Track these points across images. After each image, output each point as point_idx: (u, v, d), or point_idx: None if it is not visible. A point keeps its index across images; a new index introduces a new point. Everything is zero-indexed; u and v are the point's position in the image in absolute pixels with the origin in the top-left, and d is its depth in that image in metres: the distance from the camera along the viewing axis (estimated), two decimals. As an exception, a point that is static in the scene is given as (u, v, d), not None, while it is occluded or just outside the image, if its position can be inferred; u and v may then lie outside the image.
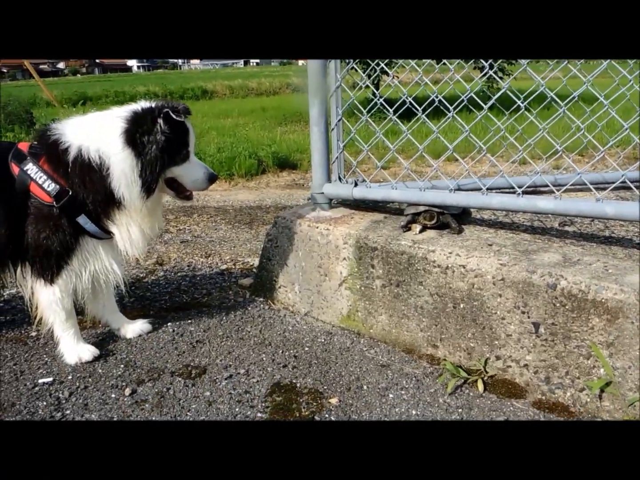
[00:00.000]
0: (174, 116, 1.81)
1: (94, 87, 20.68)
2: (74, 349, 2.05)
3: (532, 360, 1.80)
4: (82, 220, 1.87)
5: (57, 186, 1.83)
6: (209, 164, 6.88)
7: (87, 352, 2.05)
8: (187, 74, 42.20)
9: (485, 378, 1.87)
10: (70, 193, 1.83)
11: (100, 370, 2.00)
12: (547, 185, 2.11)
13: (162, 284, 2.87)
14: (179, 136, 1.88)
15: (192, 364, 2.04)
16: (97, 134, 1.85)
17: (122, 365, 2.03)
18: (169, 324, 2.33)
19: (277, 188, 6.33)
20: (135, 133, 1.81)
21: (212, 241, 3.82)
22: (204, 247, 3.63)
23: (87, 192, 1.85)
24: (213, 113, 13.23)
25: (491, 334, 1.87)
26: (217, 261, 3.32)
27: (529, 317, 1.78)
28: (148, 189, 1.84)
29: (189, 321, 2.36)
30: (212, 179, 2.00)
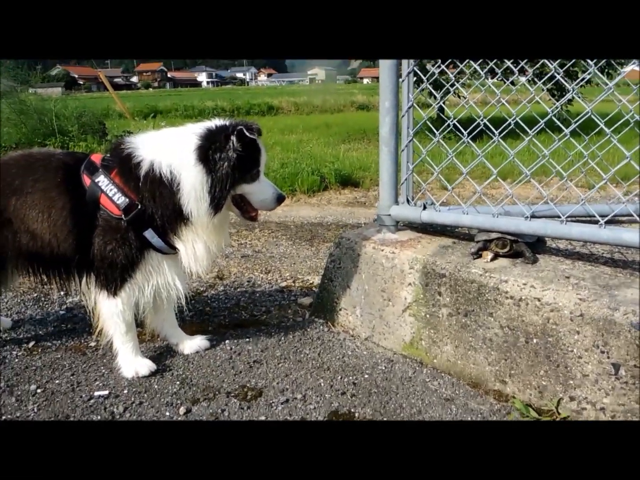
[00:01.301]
0: (247, 134, 1.80)
1: (165, 100, 21.35)
2: (132, 363, 2.05)
3: (610, 403, 1.67)
4: (149, 234, 1.88)
5: (127, 199, 1.84)
6: (272, 179, 6.92)
7: (145, 366, 2.05)
8: (254, 90, 43.14)
9: (558, 419, 1.75)
10: (139, 207, 1.84)
11: (156, 386, 1.99)
12: (629, 215, 1.98)
13: (222, 299, 2.86)
14: (251, 154, 1.87)
15: (248, 385, 2.00)
16: (170, 149, 1.86)
17: (178, 382, 2.02)
18: (226, 341, 2.31)
19: (338, 205, 6.30)
20: (208, 149, 1.80)
21: (272, 257, 3.81)
22: (264, 263, 3.62)
23: (156, 207, 1.86)
24: (278, 128, 13.41)
25: (566, 372, 1.75)
26: (277, 278, 3.30)
27: (608, 357, 1.66)
28: (216, 205, 1.83)
29: (247, 339, 2.33)
30: (280, 199, 1.98)
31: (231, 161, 1.80)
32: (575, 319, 1.71)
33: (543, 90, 2.06)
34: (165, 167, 1.81)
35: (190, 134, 1.84)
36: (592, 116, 1.80)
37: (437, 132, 2.17)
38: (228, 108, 17.86)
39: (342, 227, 4.77)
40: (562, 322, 1.74)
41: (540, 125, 1.93)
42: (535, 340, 1.81)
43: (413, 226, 2.45)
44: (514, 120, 1.97)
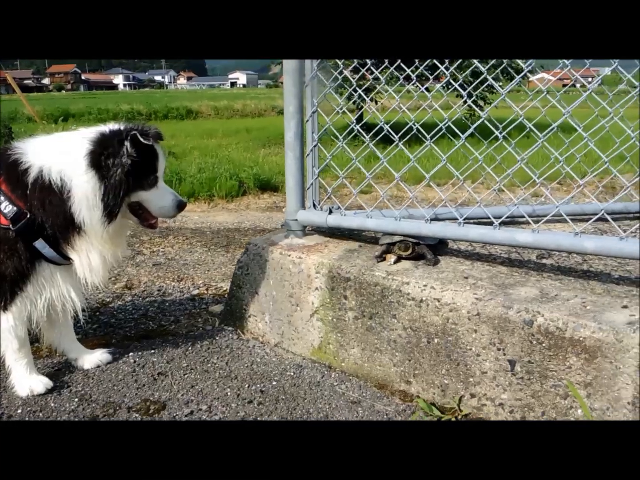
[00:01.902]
0: (142, 139, 1.73)
1: (78, 103, 20.59)
2: (26, 380, 1.94)
3: (508, 399, 1.73)
4: (40, 244, 1.78)
5: (15, 208, 1.74)
6: (189, 184, 6.83)
7: (40, 384, 1.94)
8: (173, 93, 42.32)
9: (459, 417, 1.80)
10: (28, 216, 1.74)
11: (52, 404, 1.89)
12: (522, 216, 2.06)
13: (129, 310, 2.77)
14: (147, 160, 1.81)
15: (151, 398, 1.93)
16: (60, 155, 1.77)
17: (76, 399, 1.92)
18: (130, 353, 2.23)
19: (257, 210, 6.26)
20: (101, 155, 1.73)
21: (185, 264, 3.73)
22: (177, 271, 3.54)
23: (46, 215, 1.76)
24: (197, 133, 13.22)
25: (466, 370, 1.80)
26: (189, 285, 3.23)
27: (504, 355, 1.71)
28: (110, 213, 1.76)
29: (153, 351, 2.26)
30: (180, 206, 1.93)
31: (125, 167, 1.73)
32: (472, 318, 1.76)
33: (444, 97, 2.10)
34: (55, 174, 1.72)
35: (82, 138, 1.76)
36: (486, 122, 1.87)
37: (340, 138, 2.19)
38: (145, 112, 17.43)
39: (260, 232, 4.73)
40: (460, 321, 1.78)
41: (440, 130, 1.98)
42: (436, 340, 1.85)
43: (321, 231, 2.46)
44: (415, 126, 2.02)
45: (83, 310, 1.98)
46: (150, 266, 3.62)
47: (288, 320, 2.26)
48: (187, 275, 3.45)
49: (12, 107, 14.87)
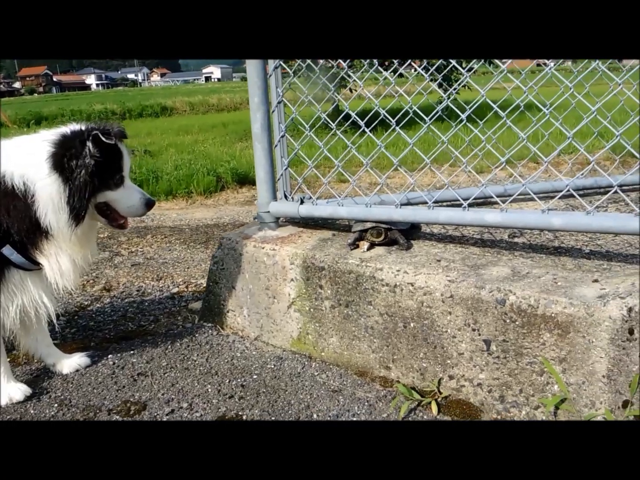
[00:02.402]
0: (103, 139, 1.71)
1: (50, 106, 20.31)
2: (4, 389, 1.92)
3: (486, 378, 1.74)
4: (7, 251, 1.76)
5: (-22, 216, 1.71)
6: (165, 182, 6.79)
7: (18, 391, 1.93)
8: (147, 91, 41.86)
9: (440, 399, 1.81)
10: None
11: (32, 411, 1.88)
12: (500, 196, 2.07)
13: (108, 312, 2.75)
14: (111, 160, 1.78)
15: (131, 399, 1.92)
16: (21, 159, 1.74)
17: (55, 405, 1.91)
18: (109, 356, 2.21)
19: (236, 205, 6.23)
20: (63, 157, 1.71)
21: (165, 263, 3.71)
22: (156, 270, 3.52)
23: (12, 221, 1.74)
24: (172, 130, 13.11)
25: (443, 353, 1.81)
26: (169, 284, 3.22)
27: (479, 335, 1.73)
28: (77, 216, 1.74)
29: (132, 352, 2.25)
30: (149, 204, 1.91)
31: (89, 168, 1.71)
32: (446, 300, 1.77)
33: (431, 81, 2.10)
34: (18, 179, 1.70)
35: (43, 141, 1.74)
36: (450, 104, 1.87)
37: (307, 127, 2.18)
38: (119, 111, 17.24)
39: (239, 227, 4.72)
40: (434, 304, 1.79)
41: (408, 114, 1.98)
42: (412, 325, 1.85)
43: (295, 221, 2.46)
44: (382, 112, 2.02)
45: (60, 315, 1.97)
46: (129, 267, 3.60)
47: (266, 313, 2.26)
48: (166, 274, 3.44)
49: (-18, 113, 14.62)
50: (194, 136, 11.80)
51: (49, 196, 1.71)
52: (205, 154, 8.53)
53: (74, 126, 1.80)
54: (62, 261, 1.81)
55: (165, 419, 1.81)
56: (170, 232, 4.74)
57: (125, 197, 1.86)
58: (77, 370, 2.11)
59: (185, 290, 3.10)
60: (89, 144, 1.71)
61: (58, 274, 1.82)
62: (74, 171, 1.71)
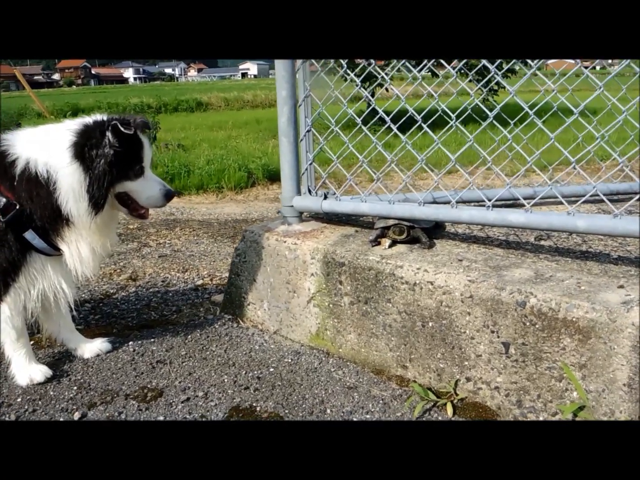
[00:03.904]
0: (122, 129, 1.75)
1: (88, 98, 20.74)
2: (26, 370, 1.98)
3: (503, 382, 1.73)
4: (30, 235, 1.81)
5: (4, 199, 1.77)
6: (197, 176, 6.88)
7: (39, 372, 1.98)
8: (183, 86, 42.44)
9: (455, 401, 1.80)
10: (17, 207, 1.77)
11: (52, 392, 1.93)
12: (527, 198, 2.05)
13: (132, 301, 2.80)
14: (131, 150, 1.82)
15: (149, 386, 1.96)
16: (45, 147, 1.79)
17: (75, 387, 1.96)
18: (130, 342, 2.26)
19: (265, 201, 6.28)
20: (84, 146, 1.75)
21: (191, 255, 3.76)
22: (182, 262, 3.57)
23: (35, 207, 1.79)
24: (206, 125, 13.26)
25: (461, 354, 1.80)
26: (194, 276, 3.26)
27: (498, 337, 1.72)
28: (96, 204, 1.78)
29: (152, 340, 2.29)
30: (169, 196, 1.94)
31: (108, 158, 1.75)
32: (465, 300, 1.76)
33: (472, 82, 2.10)
34: (42, 166, 1.75)
35: (66, 130, 1.78)
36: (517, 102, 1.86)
37: (332, 121, 2.19)
38: (154, 105, 17.51)
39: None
40: (454, 304, 1.79)
41: (437, 113, 1.98)
42: (430, 324, 1.85)
43: (318, 217, 2.47)
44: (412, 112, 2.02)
45: (86, 302, 2.01)
46: (156, 258, 3.66)
47: (286, 307, 2.28)
48: (192, 266, 3.49)
49: (21, 104, 15.02)
50: (228, 132, 11.92)
51: (70, 184, 1.75)
52: (237, 150, 8.62)
53: (97, 116, 1.85)
54: (82, 248, 1.86)
55: (180, 407, 1.84)
56: (198, 226, 4.81)
57: (145, 187, 1.90)
58: (98, 355, 2.16)
59: (210, 282, 3.15)
60: (109, 134, 1.75)
61: (78, 260, 1.87)
62: (94, 160, 1.75)
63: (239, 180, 6.88)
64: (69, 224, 1.81)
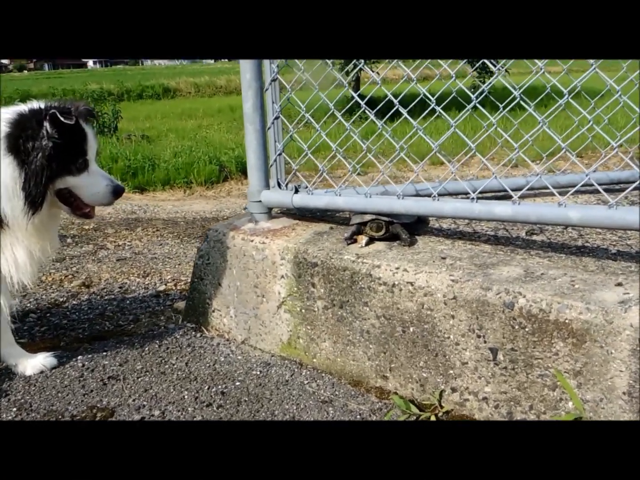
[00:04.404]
0: (62, 119, 1.73)
1: (40, 84, 20.58)
2: (-41, 390, 1.96)
3: (492, 392, 1.73)
4: (-41, 239, 1.79)
5: None
6: (163, 170, 6.86)
7: (-26, 392, 1.96)
8: (148, 70, 42.25)
9: (440, 414, 1.81)
10: None
11: (-13, 415, 1.91)
12: (517, 189, 2.07)
13: (84, 310, 2.78)
14: (72, 142, 1.80)
15: (98, 405, 1.94)
16: None
17: (14, 409, 1.93)
18: (79, 357, 2.24)
19: (239, 197, 6.28)
20: (19, 138, 1.72)
21: (154, 258, 3.75)
22: (144, 266, 3.56)
23: None
24: (174, 113, 13.24)
25: (445, 362, 1.81)
26: (156, 281, 3.25)
27: (485, 342, 1.72)
28: (33, 203, 1.75)
29: (105, 353, 2.27)
30: (117, 192, 1.92)
31: (46, 151, 1.72)
32: (448, 302, 1.76)
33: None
34: None
35: None
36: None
37: (302, 107, 2.19)
38: (116, 91, 17.41)
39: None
40: (436, 306, 1.79)
41: (418, 99, 1.98)
42: (412, 329, 1.85)
43: (290, 213, 2.47)
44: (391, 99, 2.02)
45: (31, 312, 1.99)
46: (114, 262, 3.64)
47: (254, 313, 2.27)
48: (154, 270, 3.47)
49: (-33, 92, 14.86)
50: (198, 121, 11.90)
51: (3, 181, 1.72)
52: (208, 141, 8.61)
53: (34, 104, 1.82)
54: (18, 253, 1.83)
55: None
56: (163, 225, 4.79)
57: (90, 183, 1.88)
58: (42, 372, 2.13)
59: (173, 288, 3.14)
60: (46, 124, 1.73)
61: (13, 266, 1.84)
62: (30, 154, 1.72)
63: (209, 174, 6.88)
64: (2, 226, 1.79)
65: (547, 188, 1.83)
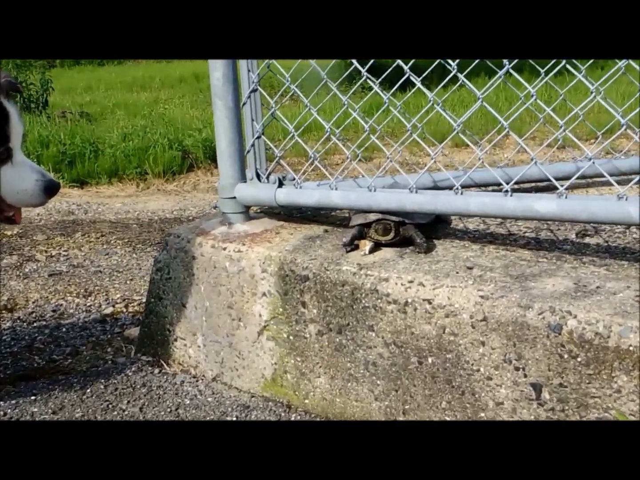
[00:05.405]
0: None
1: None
2: None
3: (535, 440, 1.75)
4: None
5: None
6: (109, 157, 6.89)
7: None
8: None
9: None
10: None
11: None
12: (563, 179, 2.08)
13: (6, 341, 2.80)
14: None
15: (27, 463, 1.96)
16: None
17: None
18: (0, 403, 2.25)
19: (208, 191, 6.29)
20: None
21: (98, 272, 3.77)
22: (85, 282, 3.58)
23: None
24: (123, 83, 13.25)
25: (474, 402, 1.82)
26: (101, 302, 3.27)
27: (525, 376, 1.74)
28: None
29: (33, 397, 2.28)
30: (49, 189, 1.93)
31: None
32: (477, 324, 1.78)
33: None
34: None
35: None
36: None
37: (287, 76, 2.20)
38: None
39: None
40: (461, 330, 1.81)
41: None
42: (430, 360, 1.87)
43: (274, 212, 2.49)
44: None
45: None
46: (45, 277, 3.66)
47: (229, 342, 2.28)
48: (98, 287, 3.49)
49: None
50: (154, 93, 11.93)
51: None
52: (167, 119, 8.62)
53: None
54: None
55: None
56: (110, 229, 4.80)
57: (14, 178, 1.88)
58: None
59: (124, 310, 3.16)
60: None
61: None
62: None
63: (169, 162, 6.89)
64: None
65: (602, 176, 1.84)
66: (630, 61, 1.79)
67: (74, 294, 3.37)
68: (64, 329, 2.91)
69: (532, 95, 1.85)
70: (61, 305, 3.21)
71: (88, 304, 3.23)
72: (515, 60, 1.88)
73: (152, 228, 4.89)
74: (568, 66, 1.82)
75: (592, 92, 1.75)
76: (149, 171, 6.72)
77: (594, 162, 1.80)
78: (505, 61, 1.83)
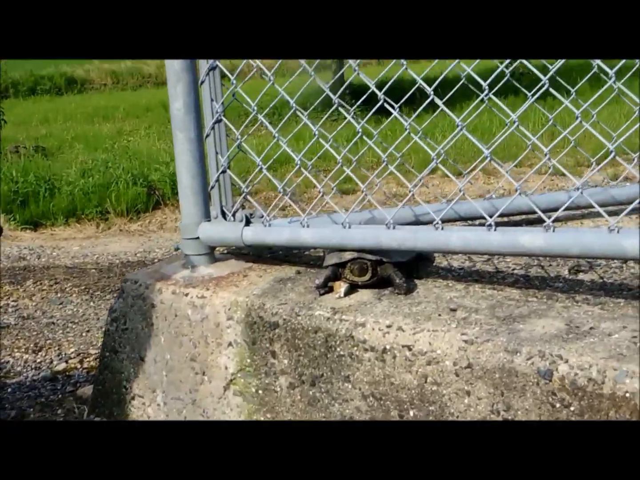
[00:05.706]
0: None
1: None
2: None
3: (528, 498, 1.77)
4: None
5: None
6: (66, 196, 6.91)
7: None
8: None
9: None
10: None
11: None
12: (551, 210, 2.13)
13: (-61, 405, 2.80)
14: None
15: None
16: None
17: None
18: None
19: (175, 230, 6.31)
20: None
21: (51, 324, 3.78)
22: (35, 336, 3.58)
23: None
24: (83, 114, 13.29)
25: (461, 457, 1.84)
26: (53, 357, 3.28)
27: (515, 428, 1.76)
28: None
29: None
30: None
31: None
32: (461, 372, 1.80)
33: None
34: None
35: None
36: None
37: (252, 105, 2.25)
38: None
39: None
40: (444, 379, 1.83)
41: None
42: (412, 413, 1.89)
43: (241, 253, 2.51)
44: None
45: None
46: (-10, 330, 3.66)
47: (192, 398, 2.30)
48: (50, 341, 3.49)
49: None
50: (117, 124, 11.98)
51: None
52: (131, 153, 8.65)
53: None
54: None
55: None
56: (65, 276, 4.81)
57: None
58: None
59: (78, 366, 3.16)
60: None
61: None
62: None
63: (133, 200, 6.91)
64: None
65: (590, 207, 1.89)
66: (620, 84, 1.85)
67: (23, 349, 3.37)
68: (9, 389, 2.90)
69: (515, 122, 1.90)
70: (7, 362, 3.21)
71: (38, 360, 3.23)
72: (500, 84, 1.95)
73: (112, 273, 4.90)
74: (552, 89, 1.87)
75: (577, 117, 1.80)
76: (111, 210, 6.74)
77: (582, 193, 1.83)
78: (484, 84, 1.88)
